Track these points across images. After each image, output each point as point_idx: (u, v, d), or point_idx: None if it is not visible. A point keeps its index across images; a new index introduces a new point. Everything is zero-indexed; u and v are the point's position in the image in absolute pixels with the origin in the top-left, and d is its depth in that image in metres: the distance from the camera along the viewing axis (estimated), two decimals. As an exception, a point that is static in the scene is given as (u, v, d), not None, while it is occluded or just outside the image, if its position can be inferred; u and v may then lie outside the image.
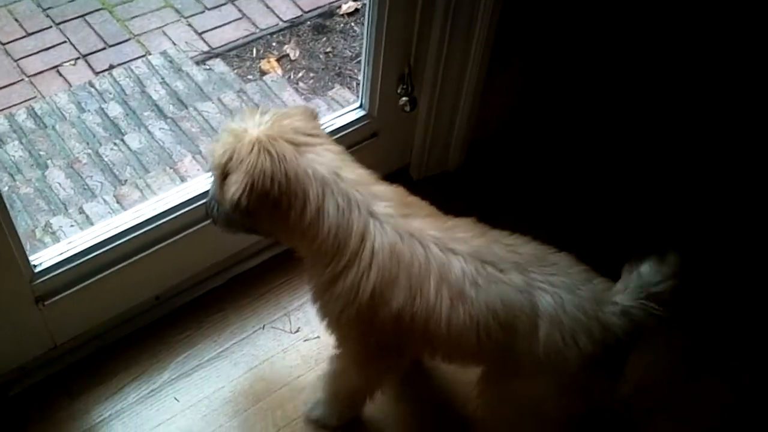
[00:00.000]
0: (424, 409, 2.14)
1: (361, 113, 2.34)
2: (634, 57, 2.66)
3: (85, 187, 2.97)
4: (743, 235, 2.53)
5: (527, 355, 1.60)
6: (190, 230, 2.12)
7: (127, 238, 2.03)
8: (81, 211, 2.78)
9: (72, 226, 2.71)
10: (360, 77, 2.33)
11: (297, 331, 2.24)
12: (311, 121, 1.63)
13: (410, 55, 2.22)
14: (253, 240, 2.31)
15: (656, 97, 2.73)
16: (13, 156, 3.13)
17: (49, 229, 2.69)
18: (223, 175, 1.57)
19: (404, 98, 2.29)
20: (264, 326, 2.25)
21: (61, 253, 1.97)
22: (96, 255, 1.99)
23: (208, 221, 2.10)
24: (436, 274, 1.58)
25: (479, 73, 2.33)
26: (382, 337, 1.70)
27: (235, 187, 1.52)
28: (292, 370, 2.16)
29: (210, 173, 1.68)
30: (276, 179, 1.52)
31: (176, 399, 2.09)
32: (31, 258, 1.91)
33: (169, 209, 2.07)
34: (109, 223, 2.03)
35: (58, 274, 1.95)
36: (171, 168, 2.99)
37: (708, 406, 2.18)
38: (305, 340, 2.22)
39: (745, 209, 2.58)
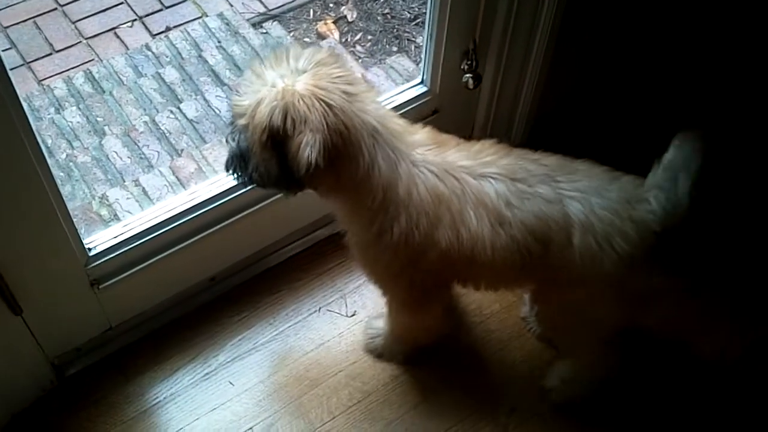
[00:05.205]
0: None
1: (422, 89, 2.25)
2: (701, 37, 2.51)
3: (142, 156, 2.93)
4: None
5: (565, 265, 1.61)
6: (246, 211, 2.07)
7: (183, 220, 1.99)
8: (137, 183, 2.76)
9: (128, 198, 2.69)
10: (418, 40, 2.24)
11: (353, 314, 2.19)
12: (343, 66, 1.55)
13: (476, 31, 2.12)
14: (308, 220, 2.26)
15: (725, 73, 2.58)
16: (71, 122, 3.11)
17: (106, 202, 2.67)
18: (276, 135, 1.46)
19: (468, 75, 2.19)
20: (320, 309, 2.20)
21: (116, 236, 1.94)
22: (151, 238, 1.96)
23: (265, 203, 2.08)
24: (474, 202, 1.60)
25: (546, 49, 2.22)
26: (429, 277, 1.72)
27: (309, 148, 1.43)
28: (348, 356, 2.12)
29: (237, 132, 1.56)
30: (340, 132, 1.47)
31: (231, 383, 2.07)
32: (85, 242, 1.88)
33: (224, 191, 2.02)
34: (164, 206, 1.99)
35: (112, 257, 1.92)
36: (227, 139, 2.93)
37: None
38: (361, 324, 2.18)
39: None
